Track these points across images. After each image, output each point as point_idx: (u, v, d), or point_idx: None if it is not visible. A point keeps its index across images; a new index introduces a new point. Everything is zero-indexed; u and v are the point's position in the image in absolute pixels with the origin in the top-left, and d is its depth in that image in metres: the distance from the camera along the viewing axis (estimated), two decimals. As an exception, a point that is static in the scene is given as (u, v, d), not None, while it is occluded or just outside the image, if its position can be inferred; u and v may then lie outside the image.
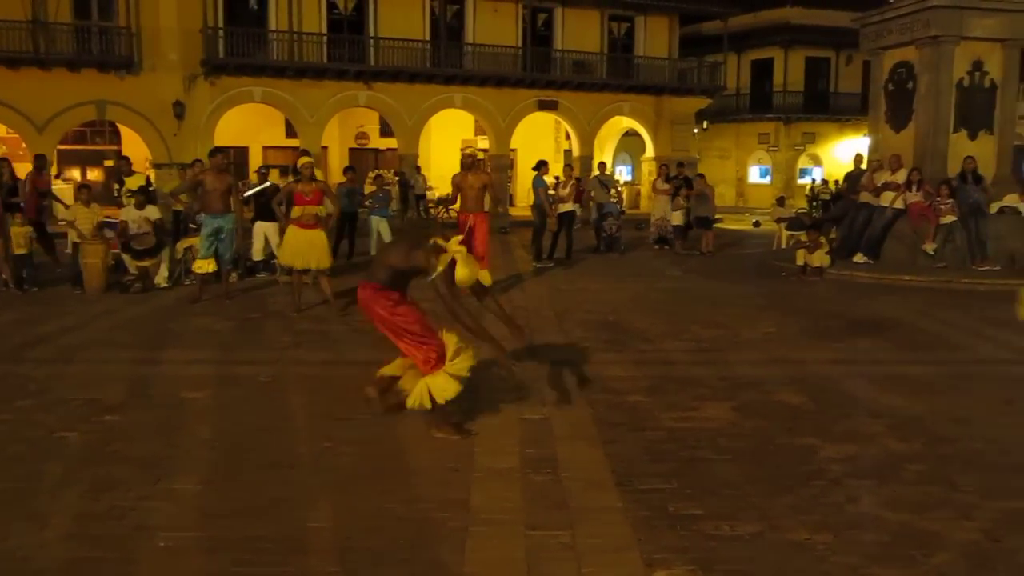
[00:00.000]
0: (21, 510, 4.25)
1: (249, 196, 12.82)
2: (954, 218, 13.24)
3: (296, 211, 9.83)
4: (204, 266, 10.30)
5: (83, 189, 12.56)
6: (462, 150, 11.26)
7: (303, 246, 9.70)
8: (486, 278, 10.34)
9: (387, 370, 5.74)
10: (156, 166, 24.67)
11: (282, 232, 10.80)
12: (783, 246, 17.11)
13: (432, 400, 5.25)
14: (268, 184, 12.73)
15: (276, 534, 4.00)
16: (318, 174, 10.02)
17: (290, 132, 28.25)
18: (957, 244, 13.32)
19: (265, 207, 12.33)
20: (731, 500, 4.44)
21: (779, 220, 18.49)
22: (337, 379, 6.88)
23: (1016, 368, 7.65)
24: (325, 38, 26.95)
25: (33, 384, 6.61)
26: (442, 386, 5.28)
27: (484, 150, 31.57)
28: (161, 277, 11.76)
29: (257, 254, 12.68)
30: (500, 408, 6.03)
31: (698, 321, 9.50)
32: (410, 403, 5.33)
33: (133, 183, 13.06)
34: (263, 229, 12.45)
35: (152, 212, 11.78)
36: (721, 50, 33.05)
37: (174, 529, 4.04)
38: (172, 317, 9.62)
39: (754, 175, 38.99)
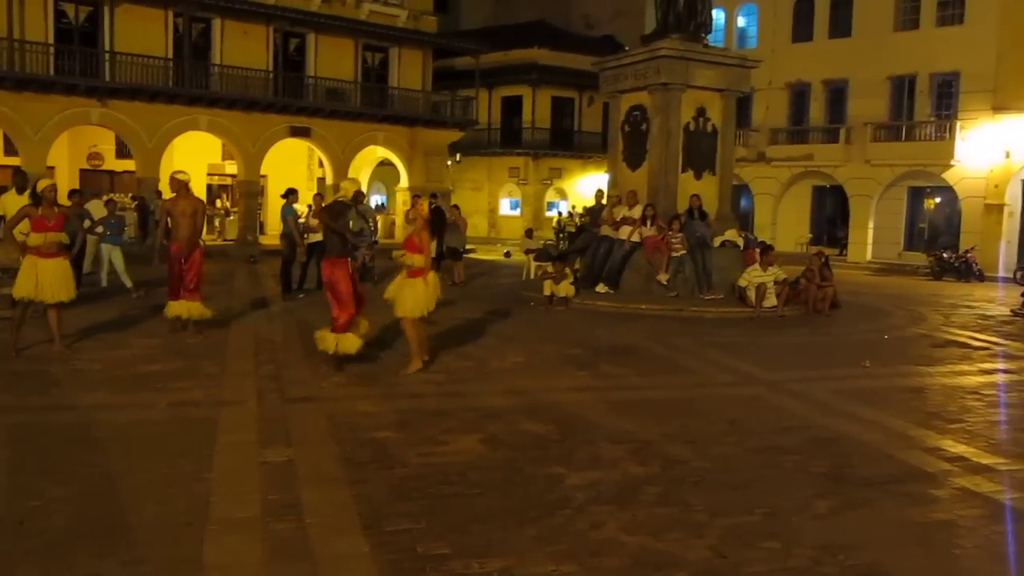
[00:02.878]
0: None
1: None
2: (684, 251, 14.31)
3: (36, 238, 8.66)
4: None
5: None
6: (172, 174, 10.48)
7: (46, 277, 8.60)
8: (200, 311, 9.73)
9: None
10: None
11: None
12: (532, 276, 17.68)
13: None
14: (22, 209, 11.24)
15: (-38, 615, 3.44)
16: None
17: (10, 149, 25.48)
18: (687, 275, 14.41)
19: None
20: (480, 536, 4.40)
21: (528, 251, 19.12)
22: (53, 427, 6.13)
23: (736, 390, 8.32)
24: (52, 48, 24.67)
25: None
26: (346, 344, 8.20)
27: (232, 175, 30.28)
28: None
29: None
30: (239, 450, 5.65)
31: (448, 352, 9.53)
32: (321, 347, 8.23)
33: None
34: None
35: None
36: (473, 85, 33.97)
37: None
38: None
39: (505, 207, 40.35)
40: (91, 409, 6.63)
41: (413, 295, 8.39)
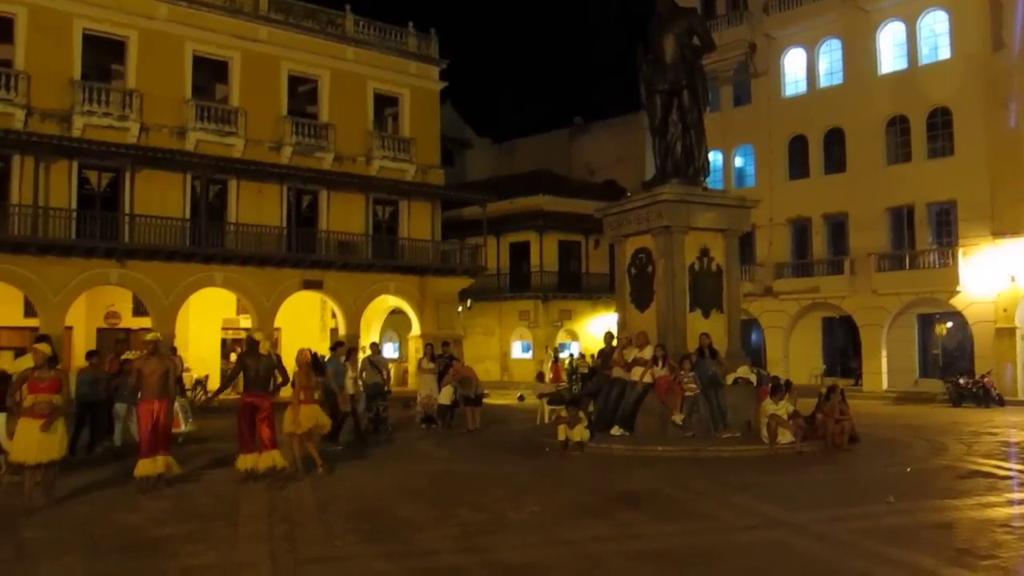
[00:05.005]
0: None
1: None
2: (697, 390, 14.26)
3: (29, 399, 9.01)
4: None
5: None
6: (143, 338, 11.41)
7: (37, 437, 8.90)
8: (173, 466, 10.26)
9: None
10: None
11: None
12: (546, 421, 17.57)
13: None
14: (23, 371, 11.44)
15: None
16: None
17: (29, 311, 26.00)
18: (701, 414, 14.30)
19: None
20: None
21: (541, 395, 19.09)
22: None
23: (758, 534, 8.13)
24: (74, 214, 25.58)
25: None
26: (272, 459, 10.60)
27: (246, 329, 30.64)
28: None
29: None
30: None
31: (464, 504, 9.39)
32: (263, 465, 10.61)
33: None
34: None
35: None
36: (481, 233, 34.82)
37: None
38: None
39: (517, 350, 40.44)
40: (103, 578, 6.54)
41: (294, 417, 11.21)
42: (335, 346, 14.89)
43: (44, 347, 9.47)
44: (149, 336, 10.97)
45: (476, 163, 48.04)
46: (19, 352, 14.89)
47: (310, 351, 12.49)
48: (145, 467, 10.11)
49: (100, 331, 29.36)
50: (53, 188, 25.19)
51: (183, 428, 13.21)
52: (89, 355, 14.72)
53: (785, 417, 13.56)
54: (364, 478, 11.34)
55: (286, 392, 11.87)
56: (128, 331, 30.18)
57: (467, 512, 8.99)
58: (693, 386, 14.23)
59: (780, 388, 14.25)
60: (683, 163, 16.34)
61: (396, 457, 13.38)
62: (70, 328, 26.50)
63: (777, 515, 8.83)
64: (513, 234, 39.34)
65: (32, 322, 25.01)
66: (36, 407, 8.96)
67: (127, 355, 17.33)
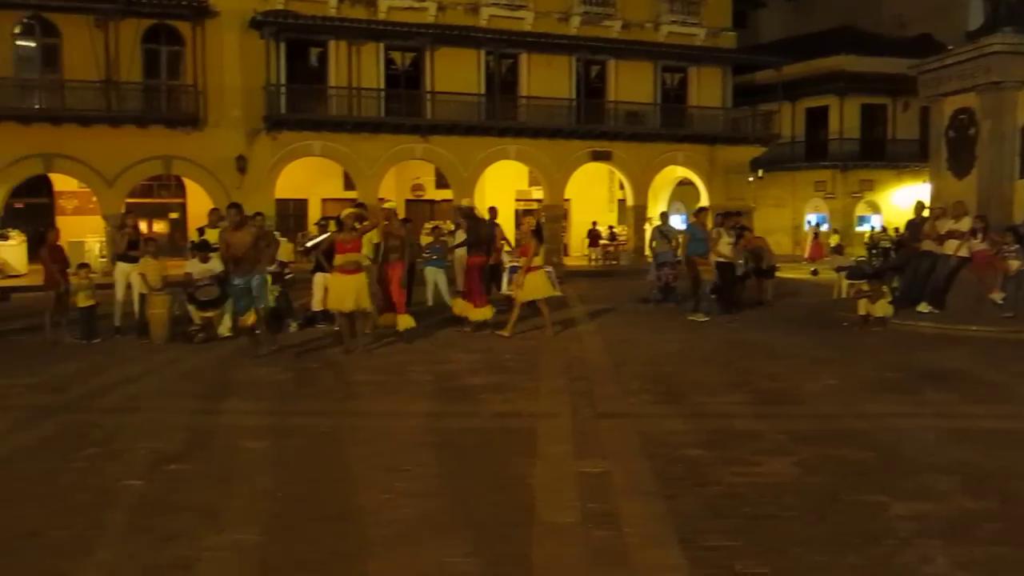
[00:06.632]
0: (88, 560, 4.32)
1: (310, 247, 13.06)
2: (1022, 266, 12.86)
3: (338, 259, 10.47)
4: (245, 320, 10.53)
5: (150, 242, 12.92)
6: (380, 199, 12.91)
7: (347, 290, 10.34)
8: (408, 321, 11.26)
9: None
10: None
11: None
12: (843, 295, 16.79)
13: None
14: (329, 235, 12.94)
15: (336, 588, 3.99)
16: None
17: (348, 184, 28.83)
18: (1026, 293, 12.91)
19: (326, 257, 12.57)
20: (798, 559, 4.33)
21: (839, 269, 18.17)
22: (395, 430, 6.90)
23: (1093, 423, 7.35)
24: (383, 93, 27.60)
25: (98, 432, 6.77)
26: (482, 314, 12.16)
27: (538, 200, 31.81)
28: (224, 327, 11.99)
29: (317, 304, 12.83)
30: (558, 460, 5.98)
31: (756, 373, 9.34)
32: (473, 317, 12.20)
33: (213, 236, 13.39)
34: (323, 280, 12.63)
35: (216, 264, 12.05)
36: (775, 98, 32.97)
37: (237, 581, 4.07)
38: (233, 367, 9.79)
39: (811, 223, 38.47)
40: (426, 416, 7.36)
41: (531, 285, 11.68)
42: (699, 211, 15.25)
43: (351, 210, 10.76)
44: (387, 204, 12.29)
45: (770, 23, 45.00)
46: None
47: (536, 219, 12.97)
48: (401, 321, 11.40)
49: (408, 202, 31.89)
50: (364, 69, 27.25)
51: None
52: (402, 222, 16.01)
53: None
54: (654, 343, 11.60)
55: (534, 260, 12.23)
56: (431, 202, 32.53)
57: (759, 380, 8.95)
58: (1017, 263, 12.85)
59: None
60: (1019, 8, 14.24)
61: (686, 325, 13.50)
62: (383, 199, 28.99)
63: (1118, 405, 7.92)
64: (810, 98, 36.80)
65: (351, 194, 27.64)
66: (344, 264, 10.36)
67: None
